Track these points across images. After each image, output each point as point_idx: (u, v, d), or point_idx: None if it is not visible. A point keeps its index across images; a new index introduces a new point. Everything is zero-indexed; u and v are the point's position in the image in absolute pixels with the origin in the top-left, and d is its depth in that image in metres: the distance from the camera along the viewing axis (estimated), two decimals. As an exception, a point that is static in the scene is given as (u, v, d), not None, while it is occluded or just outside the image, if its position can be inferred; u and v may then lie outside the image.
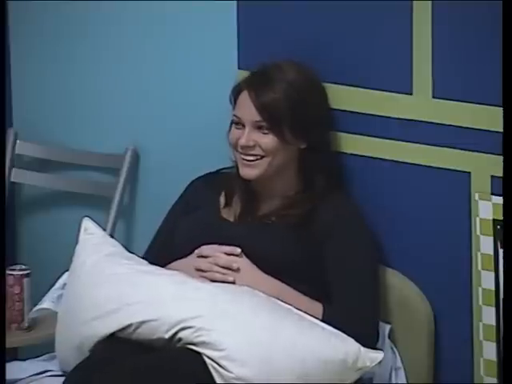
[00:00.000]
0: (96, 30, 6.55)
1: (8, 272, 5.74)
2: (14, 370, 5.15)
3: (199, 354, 4.66)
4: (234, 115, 5.21)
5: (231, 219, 5.26)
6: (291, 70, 5.21)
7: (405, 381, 5.18)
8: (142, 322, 4.73)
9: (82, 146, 6.40)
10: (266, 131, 5.07)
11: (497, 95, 4.89)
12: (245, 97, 5.14)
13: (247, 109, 5.07)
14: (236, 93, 5.21)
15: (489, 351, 5.11)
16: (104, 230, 5.50)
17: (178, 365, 4.69)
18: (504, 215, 4.19)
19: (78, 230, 5.34)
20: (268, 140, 5.06)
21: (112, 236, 5.60)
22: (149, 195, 6.20)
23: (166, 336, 4.69)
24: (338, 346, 4.74)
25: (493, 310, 5.05)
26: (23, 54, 6.74)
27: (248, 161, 5.11)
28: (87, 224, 5.31)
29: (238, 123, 5.16)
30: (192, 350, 4.69)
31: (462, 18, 5.43)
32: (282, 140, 5.08)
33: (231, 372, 4.60)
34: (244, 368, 4.61)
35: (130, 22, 6.46)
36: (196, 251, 5.09)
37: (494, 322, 5.08)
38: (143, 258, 5.34)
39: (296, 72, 5.21)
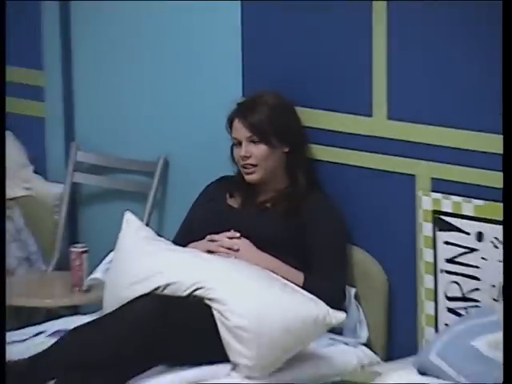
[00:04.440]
0: (138, 56, 6.62)
1: (71, 249, 6.07)
2: (76, 321, 5.50)
3: (209, 307, 5.16)
4: (233, 137, 5.76)
5: (236, 206, 5.80)
6: (269, 97, 5.71)
7: (366, 331, 5.61)
8: (167, 285, 5.23)
9: (125, 154, 6.55)
10: (257, 143, 5.63)
11: (441, 116, 5.36)
12: (237, 122, 5.66)
13: (240, 130, 5.60)
14: (230, 122, 5.70)
15: (428, 308, 5.50)
16: (141, 220, 5.85)
17: (192, 313, 5.13)
18: (504, 215, 4.25)
19: (122, 220, 5.73)
20: (260, 149, 5.63)
21: (147, 224, 6.06)
22: (176, 193, 6.43)
23: (184, 294, 5.19)
24: (312, 308, 5.19)
25: (431, 277, 5.41)
26: (83, 82, 6.75)
27: (248, 170, 5.69)
28: (128, 216, 5.73)
29: (236, 143, 5.76)
30: (205, 303, 5.19)
31: (416, 47, 5.66)
32: (270, 146, 5.65)
33: (231, 321, 5.10)
34: (241, 319, 5.08)
35: (166, 47, 6.54)
36: (207, 237, 5.55)
37: (432, 286, 5.40)
38: (172, 241, 5.70)
39: (273, 98, 5.72)
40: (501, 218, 5.12)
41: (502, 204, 5.06)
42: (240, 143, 5.58)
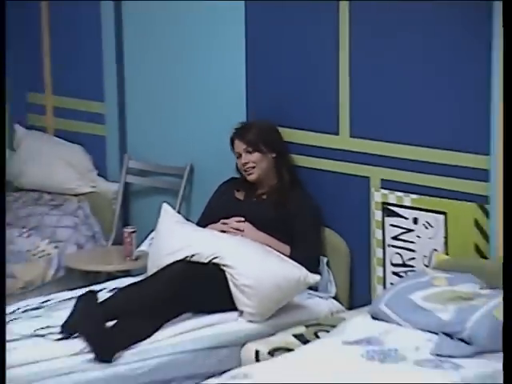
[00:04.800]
0: (170, 89, 6.40)
1: (124, 229, 6.06)
2: (127, 281, 5.51)
3: (223, 271, 5.26)
4: (235, 152, 5.76)
5: (241, 198, 5.82)
6: (258, 122, 5.79)
7: (334, 288, 5.61)
8: (192, 255, 5.30)
9: (162, 161, 6.39)
10: (251, 152, 5.69)
11: (389, 135, 5.39)
12: (236, 141, 5.74)
13: (239, 145, 5.71)
14: (232, 142, 5.75)
15: (378, 272, 5.53)
16: (174, 209, 5.87)
17: (210, 275, 5.23)
18: (504, 216, 3.76)
19: (160, 209, 5.72)
20: (254, 156, 5.68)
21: (178, 212, 6.03)
22: (198, 190, 6.25)
23: (205, 261, 5.28)
24: (296, 272, 5.27)
25: (381, 250, 5.49)
26: (133, 110, 6.60)
27: (248, 172, 5.72)
28: (165, 206, 5.76)
29: (238, 156, 5.76)
30: (220, 268, 5.28)
31: (373, 83, 5.56)
32: (261, 153, 5.69)
33: (239, 281, 5.19)
34: (246, 279, 5.18)
35: (191, 82, 6.32)
36: (221, 221, 5.64)
37: (381, 256, 5.48)
38: (196, 223, 5.75)
39: (260, 122, 5.79)
40: (430, 207, 5.27)
41: (431, 198, 5.26)
42: (240, 155, 5.66)
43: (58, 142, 6.59)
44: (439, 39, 5.19)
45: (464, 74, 5.11)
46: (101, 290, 5.40)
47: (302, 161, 5.72)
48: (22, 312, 5.20)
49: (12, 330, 4.92)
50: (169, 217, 5.69)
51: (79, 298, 5.16)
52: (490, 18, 4.90)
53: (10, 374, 4.52)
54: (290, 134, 5.73)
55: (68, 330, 4.91)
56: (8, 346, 4.65)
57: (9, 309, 5.22)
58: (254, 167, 5.66)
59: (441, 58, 5.21)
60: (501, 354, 4.32)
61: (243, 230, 5.55)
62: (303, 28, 5.69)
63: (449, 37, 5.13)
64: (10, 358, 4.63)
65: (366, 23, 5.43)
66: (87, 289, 5.40)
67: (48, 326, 4.96)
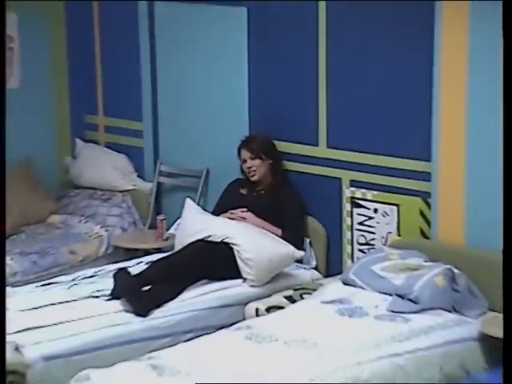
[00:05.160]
0: (192, 108, 6.14)
1: (157, 217, 5.97)
2: (159, 256, 5.42)
3: (231, 248, 5.21)
4: (242, 159, 5.64)
5: (244, 193, 5.69)
6: (258, 136, 5.66)
7: (315, 261, 5.52)
8: (208, 236, 5.25)
9: (185, 166, 6.19)
10: (254, 158, 5.58)
11: (356, 146, 5.31)
12: (242, 150, 5.64)
13: (245, 153, 5.61)
14: (238, 151, 5.64)
15: (348, 249, 5.45)
16: (194, 202, 5.79)
17: (222, 251, 5.19)
18: (504, 216, 3.21)
19: (184, 202, 5.67)
20: (256, 162, 5.59)
21: (198, 204, 5.88)
22: (213, 188, 6.01)
23: (218, 241, 5.23)
24: (286, 249, 5.27)
25: (350, 232, 5.42)
26: (164, 127, 6.39)
27: (251, 174, 5.62)
28: (188, 200, 5.71)
29: (243, 161, 5.64)
30: (229, 246, 5.23)
31: (348, 102, 5.39)
32: (261, 159, 5.58)
33: (243, 255, 5.16)
34: (249, 254, 5.15)
35: (210, 105, 6.06)
36: (229, 211, 5.56)
37: (350, 238, 5.42)
38: (211, 213, 5.66)
39: (260, 136, 5.66)
40: (387, 201, 5.23)
41: (387, 193, 5.21)
42: (245, 161, 5.59)
43: (107, 151, 6.55)
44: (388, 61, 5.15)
45: (410, 97, 5.08)
46: (139, 263, 5.39)
47: (291, 166, 5.64)
48: (81, 279, 5.22)
49: (74, 292, 4.98)
50: (190, 208, 5.65)
51: (117, 272, 5.11)
52: (432, 38, 4.88)
53: (72, 325, 4.59)
54: (282, 146, 5.63)
55: (115, 293, 4.93)
56: (69, 305, 4.82)
57: (71, 276, 5.28)
58: (255, 170, 5.61)
59: (392, 83, 5.17)
60: (439, 311, 4.58)
61: (246, 218, 5.51)
62: (294, 60, 5.56)
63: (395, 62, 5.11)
64: (71, 314, 4.71)
65: (341, 50, 5.34)
66: (127, 263, 5.37)
67: (100, 290, 4.99)
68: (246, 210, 5.56)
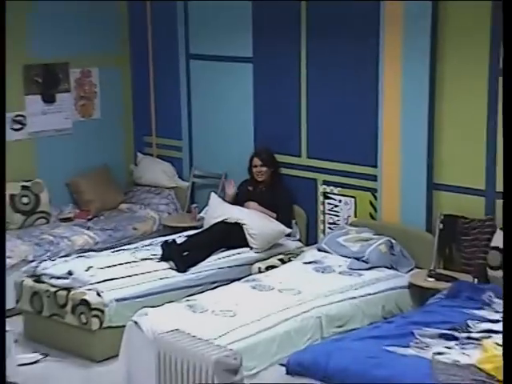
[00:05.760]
0: (213, 123, 5.92)
1: (191, 206, 5.84)
2: (193, 232, 5.31)
3: (242, 227, 5.11)
4: (253, 165, 5.40)
5: (251, 189, 5.47)
6: (266, 150, 5.43)
7: (299, 235, 5.33)
8: (227, 218, 5.16)
9: (210, 170, 5.95)
10: (262, 165, 5.38)
11: (329, 156, 5.22)
12: (255, 159, 5.41)
13: (256, 161, 5.40)
14: (251, 159, 5.42)
15: (321, 227, 5.29)
16: (217, 195, 5.61)
17: (236, 228, 5.10)
18: (504, 216, 2.36)
19: (210, 196, 5.53)
20: (264, 169, 5.38)
21: (219, 197, 5.57)
22: None
23: (233, 222, 5.12)
24: (279, 227, 5.14)
25: (322, 215, 5.30)
26: (195, 141, 6.15)
27: (259, 176, 5.41)
28: (213, 194, 5.53)
29: (254, 166, 5.40)
30: (240, 225, 5.13)
31: (323, 118, 5.24)
32: (267, 167, 5.38)
33: (250, 231, 5.08)
34: (254, 230, 5.08)
35: (231, 122, 5.81)
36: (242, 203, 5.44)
37: (322, 219, 5.29)
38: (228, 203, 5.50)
39: (267, 150, 5.43)
40: (347, 194, 5.15)
41: (348, 189, 5.13)
42: (256, 166, 5.39)
43: (158, 161, 6.39)
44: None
45: (362, 123, 5.03)
46: (179, 237, 5.30)
47: (283, 170, 5.49)
48: (141, 247, 5.15)
49: (136, 255, 4.93)
50: (214, 199, 5.54)
51: (166, 243, 5.02)
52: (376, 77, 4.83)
53: (134, 278, 4.56)
54: (277, 156, 5.47)
55: (163, 257, 4.90)
56: (132, 264, 4.77)
57: (134, 245, 5.20)
58: (263, 174, 5.41)
59: (349, 112, 5.11)
60: (383, 268, 4.57)
61: (253, 207, 5.39)
62: (284, 98, 5.42)
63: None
64: (134, 270, 4.67)
65: (316, 90, 5.24)
66: (172, 237, 5.30)
67: (154, 254, 4.96)
68: (252, 202, 5.41)
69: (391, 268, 4.66)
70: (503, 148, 2.37)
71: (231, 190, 5.60)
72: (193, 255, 4.92)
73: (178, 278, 4.73)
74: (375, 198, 5.06)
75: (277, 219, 5.31)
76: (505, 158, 2.35)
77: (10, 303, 4.67)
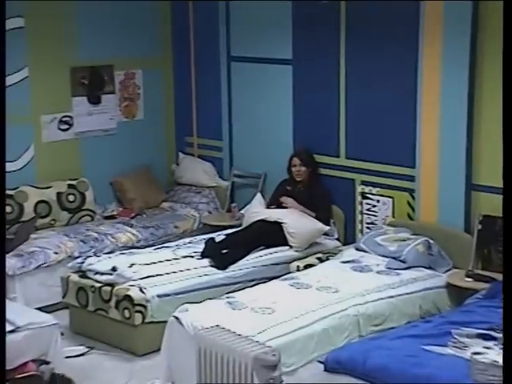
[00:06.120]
0: (258, 125, 5.92)
1: (231, 205, 5.83)
2: (233, 230, 5.31)
3: (281, 225, 5.09)
4: (292, 164, 5.37)
5: (289, 189, 5.43)
6: (306, 150, 5.40)
7: (337, 234, 5.32)
8: (266, 218, 5.15)
9: (250, 170, 5.95)
10: (301, 165, 5.35)
11: (367, 156, 5.19)
12: (295, 158, 5.37)
13: (296, 161, 5.37)
14: (290, 158, 5.39)
15: (359, 226, 5.26)
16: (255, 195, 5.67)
17: (275, 227, 5.09)
18: (504, 216, 2.31)
19: (252, 196, 5.58)
20: (302, 168, 5.35)
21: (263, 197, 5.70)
22: (269, 186, 5.72)
23: (272, 220, 5.12)
24: (318, 225, 5.12)
25: (360, 215, 5.24)
26: (235, 141, 6.14)
27: (298, 176, 5.38)
28: (258, 195, 5.60)
29: (293, 166, 5.37)
30: (279, 224, 5.11)
31: (360, 120, 5.20)
32: (306, 167, 5.35)
33: (289, 230, 5.06)
34: (293, 229, 5.06)
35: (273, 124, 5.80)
36: (280, 199, 5.39)
37: (360, 219, 5.26)
38: (268, 202, 5.52)
39: (306, 150, 5.41)
40: (385, 194, 5.12)
41: (385, 190, 5.11)
42: (295, 166, 5.36)
43: (199, 161, 6.41)
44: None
45: (402, 125, 4.99)
46: (219, 235, 5.31)
47: (322, 171, 5.46)
48: (182, 244, 5.18)
49: (177, 253, 4.96)
50: (257, 199, 5.55)
51: (207, 241, 5.08)
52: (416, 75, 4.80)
53: (176, 274, 4.59)
54: (316, 157, 5.45)
55: (204, 254, 4.92)
56: (174, 261, 4.78)
57: (175, 243, 5.22)
58: (301, 174, 5.37)
59: (388, 114, 5.08)
60: (420, 268, 4.54)
61: (291, 205, 5.35)
62: (323, 99, 5.40)
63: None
64: (176, 267, 4.69)
65: (355, 90, 5.20)
66: (211, 235, 5.32)
67: (195, 252, 4.98)
68: (290, 199, 5.36)
69: (429, 268, 4.62)
70: (503, 148, 2.31)
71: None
72: (232, 253, 4.93)
73: (218, 275, 4.74)
74: (413, 198, 5.02)
75: (316, 218, 5.25)
76: (505, 158, 2.30)
77: (56, 297, 4.84)
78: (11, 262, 4.85)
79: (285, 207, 5.35)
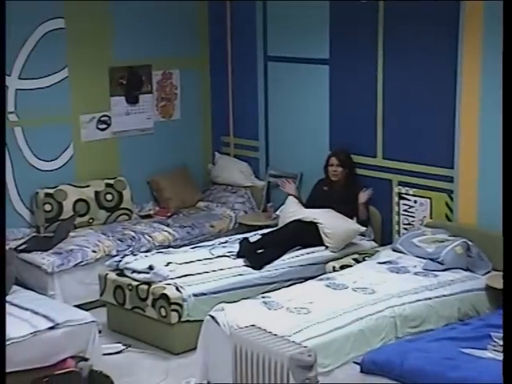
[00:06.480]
0: (291, 125, 5.91)
1: (267, 205, 5.86)
2: (268, 230, 5.30)
3: (317, 226, 5.07)
4: (329, 163, 5.32)
5: (326, 189, 5.39)
6: (344, 150, 5.36)
7: (373, 235, 5.27)
8: (303, 218, 5.11)
9: (285, 170, 5.94)
10: (338, 165, 5.30)
11: (403, 157, 5.15)
12: (333, 158, 5.32)
13: (333, 161, 5.32)
14: (328, 158, 5.34)
15: (396, 227, 5.27)
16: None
17: (311, 227, 5.07)
18: (504, 216, 2.61)
19: (284, 195, 5.55)
20: (339, 169, 5.30)
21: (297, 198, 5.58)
22: (305, 186, 5.68)
23: (308, 221, 5.09)
24: (354, 225, 5.10)
25: (397, 216, 5.22)
26: (271, 143, 6.16)
27: (334, 176, 5.34)
28: (290, 197, 5.50)
29: (330, 165, 5.32)
30: (315, 224, 5.09)
31: (396, 122, 5.16)
32: (343, 167, 5.31)
33: (325, 231, 5.05)
34: (329, 230, 5.04)
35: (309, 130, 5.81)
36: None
37: (397, 220, 5.22)
38: (305, 202, 5.46)
39: (344, 151, 5.36)
40: (423, 195, 5.08)
41: (423, 190, 5.06)
42: (332, 165, 5.31)
43: (235, 160, 6.42)
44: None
45: (440, 124, 4.94)
46: (255, 235, 5.32)
47: (358, 171, 5.43)
48: (218, 244, 5.18)
49: (213, 252, 4.97)
50: (291, 200, 5.49)
51: (241, 241, 5.04)
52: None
53: (211, 274, 4.60)
54: (353, 157, 5.41)
55: (239, 254, 4.92)
56: (210, 260, 4.80)
57: (211, 242, 5.22)
58: (338, 174, 5.32)
59: (426, 114, 5.03)
60: (458, 270, 4.51)
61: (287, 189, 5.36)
62: (361, 99, 5.36)
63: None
64: (211, 266, 4.70)
65: (392, 91, 5.17)
66: (246, 235, 5.32)
67: (230, 251, 4.98)
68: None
69: (467, 270, 4.57)
70: (503, 148, 2.25)
71: (292, 190, 5.57)
72: (268, 253, 4.92)
73: (254, 275, 4.74)
74: (451, 199, 4.97)
75: (358, 221, 5.19)
76: (504, 159, 2.25)
77: (94, 295, 4.88)
78: (50, 260, 4.92)
79: (322, 207, 5.29)
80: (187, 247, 5.18)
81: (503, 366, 2.31)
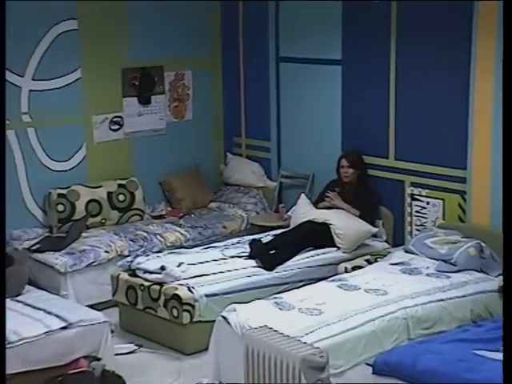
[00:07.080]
0: (308, 128, 5.88)
1: (279, 205, 5.81)
2: (280, 231, 5.29)
3: (329, 226, 5.07)
4: (340, 165, 5.31)
5: (338, 190, 5.34)
6: (355, 152, 5.36)
7: (385, 236, 5.26)
8: (314, 219, 5.13)
9: (297, 170, 5.92)
10: (349, 167, 5.30)
11: (415, 158, 5.14)
12: (343, 160, 5.32)
13: (344, 162, 5.32)
14: (339, 160, 5.33)
15: (408, 228, 5.25)
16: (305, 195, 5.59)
17: (323, 228, 5.08)
18: (504, 216, 2.65)
19: (296, 196, 5.53)
20: (350, 170, 5.30)
21: (306, 197, 5.57)
22: (317, 186, 5.69)
23: (320, 221, 5.10)
24: (366, 226, 5.08)
25: (409, 217, 5.21)
26: (284, 143, 6.15)
27: (345, 177, 5.33)
28: (302, 196, 5.50)
29: (342, 167, 5.32)
30: (327, 225, 5.10)
31: (409, 125, 5.16)
32: (354, 168, 5.30)
33: (337, 231, 5.05)
34: (341, 230, 5.03)
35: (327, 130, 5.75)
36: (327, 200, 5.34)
37: (410, 220, 5.20)
38: (315, 201, 5.44)
39: (353, 151, 5.38)
40: (435, 196, 5.06)
41: (436, 191, 5.04)
42: (343, 167, 5.31)
43: (247, 161, 6.43)
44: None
45: (453, 126, 4.93)
46: (267, 235, 5.31)
47: (371, 172, 5.41)
48: (230, 245, 5.19)
49: (225, 253, 4.97)
50: (303, 200, 5.49)
51: (250, 242, 5.01)
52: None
53: (223, 274, 4.60)
54: (365, 158, 5.40)
55: (251, 255, 4.92)
56: (221, 261, 4.79)
57: (223, 243, 5.23)
58: (348, 175, 5.32)
59: (439, 115, 5.01)
60: (471, 271, 4.48)
61: (333, 199, 5.28)
62: (373, 100, 5.35)
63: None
64: (223, 267, 4.69)
65: (404, 93, 5.16)
66: (258, 235, 5.31)
67: (242, 252, 4.99)
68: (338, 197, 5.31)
69: (480, 271, 4.54)
70: (503, 148, 2.28)
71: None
72: (280, 254, 4.92)
73: (266, 275, 4.74)
74: (464, 200, 4.95)
75: (363, 219, 5.18)
76: (504, 159, 2.29)
77: (106, 295, 4.89)
78: (63, 260, 4.94)
79: (331, 207, 5.30)
80: (199, 248, 5.19)
81: (503, 366, 2.29)
